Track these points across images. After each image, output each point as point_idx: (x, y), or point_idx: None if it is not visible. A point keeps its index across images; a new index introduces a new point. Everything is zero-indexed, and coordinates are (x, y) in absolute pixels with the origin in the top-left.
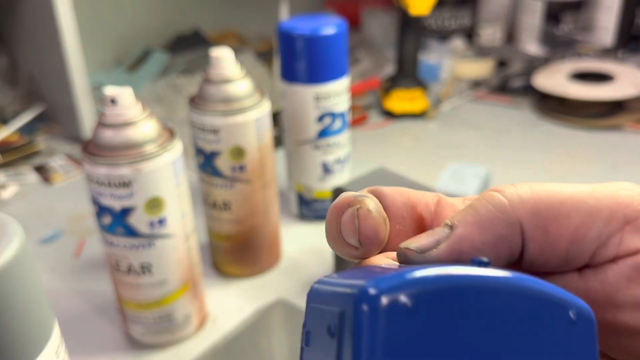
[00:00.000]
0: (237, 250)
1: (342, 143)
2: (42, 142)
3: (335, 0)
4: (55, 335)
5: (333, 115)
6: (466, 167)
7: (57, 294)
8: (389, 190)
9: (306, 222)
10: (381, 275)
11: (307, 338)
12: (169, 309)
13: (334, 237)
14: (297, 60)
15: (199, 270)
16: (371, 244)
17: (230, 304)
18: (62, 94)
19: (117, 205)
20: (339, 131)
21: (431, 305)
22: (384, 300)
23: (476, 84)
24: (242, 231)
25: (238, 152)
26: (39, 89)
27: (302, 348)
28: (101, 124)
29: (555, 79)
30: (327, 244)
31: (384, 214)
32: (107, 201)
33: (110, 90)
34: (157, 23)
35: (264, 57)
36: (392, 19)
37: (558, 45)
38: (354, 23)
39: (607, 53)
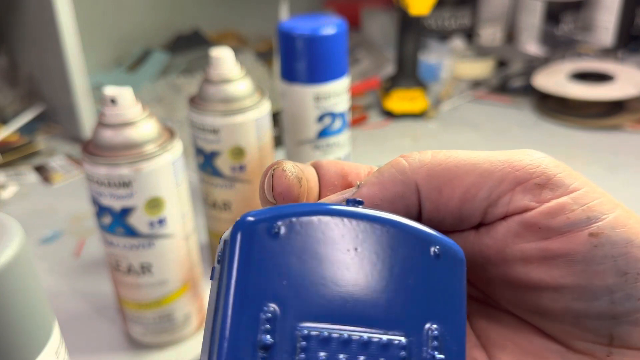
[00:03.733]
0: None
1: (342, 143)
2: (42, 142)
3: (335, 0)
4: (55, 336)
5: (333, 115)
6: None
7: (57, 294)
8: (325, 162)
9: None
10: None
11: (212, 273)
12: (169, 309)
13: (261, 196)
14: (297, 60)
15: (199, 270)
16: (284, 200)
17: None
18: (62, 94)
19: (117, 205)
20: (338, 131)
21: (300, 232)
22: (258, 226)
23: (476, 84)
24: None
25: (238, 152)
26: (39, 89)
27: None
28: (101, 124)
29: (555, 79)
30: None
31: (300, 175)
32: (107, 201)
33: (110, 90)
34: (157, 23)
35: (264, 57)
36: (392, 19)
37: (558, 45)
38: (354, 23)
39: (607, 53)
